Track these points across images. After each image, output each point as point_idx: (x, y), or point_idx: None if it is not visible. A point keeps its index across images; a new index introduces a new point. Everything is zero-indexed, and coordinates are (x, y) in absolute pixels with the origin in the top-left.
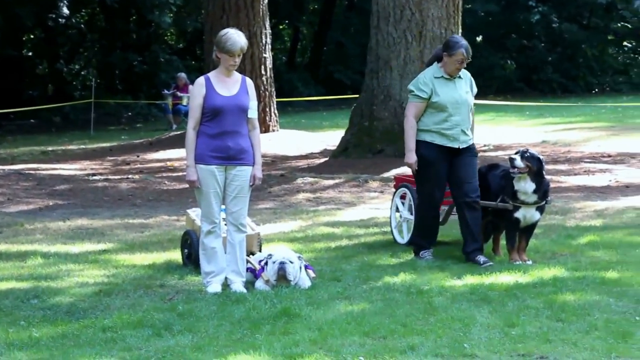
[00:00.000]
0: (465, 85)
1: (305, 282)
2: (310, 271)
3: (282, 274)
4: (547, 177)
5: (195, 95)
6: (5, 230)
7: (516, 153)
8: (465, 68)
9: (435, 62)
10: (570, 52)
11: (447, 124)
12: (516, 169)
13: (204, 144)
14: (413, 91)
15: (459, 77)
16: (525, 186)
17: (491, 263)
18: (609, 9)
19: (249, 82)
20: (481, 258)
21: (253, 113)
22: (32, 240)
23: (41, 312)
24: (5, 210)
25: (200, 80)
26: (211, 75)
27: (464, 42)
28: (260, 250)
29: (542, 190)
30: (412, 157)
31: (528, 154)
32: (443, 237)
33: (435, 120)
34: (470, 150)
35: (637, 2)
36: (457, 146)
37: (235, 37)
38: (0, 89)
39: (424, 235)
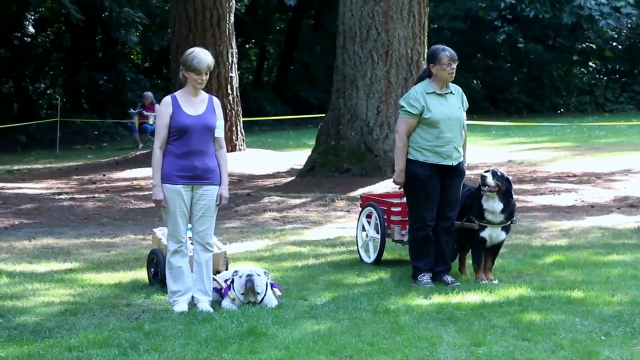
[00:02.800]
0: (457, 101)
1: (272, 301)
2: (276, 289)
3: (249, 286)
4: (514, 197)
5: (162, 114)
6: None
7: (487, 171)
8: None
9: (427, 79)
10: (536, 72)
11: (439, 140)
12: (487, 187)
13: (170, 163)
14: (404, 107)
15: (451, 92)
16: (494, 205)
17: (458, 283)
18: (574, 30)
19: (216, 101)
20: (449, 278)
21: (220, 132)
22: None
23: (6, 332)
24: None
25: (167, 99)
26: (178, 94)
27: (446, 47)
28: (226, 269)
29: (509, 210)
30: (401, 176)
31: (499, 173)
32: (404, 256)
33: (427, 137)
34: (460, 169)
35: (602, 22)
36: (450, 163)
37: (202, 55)
38: None
39: (418, 258)
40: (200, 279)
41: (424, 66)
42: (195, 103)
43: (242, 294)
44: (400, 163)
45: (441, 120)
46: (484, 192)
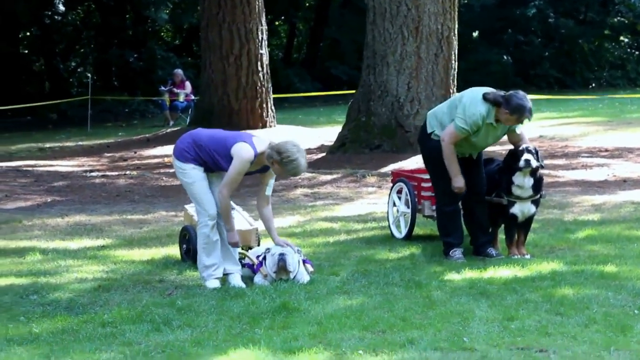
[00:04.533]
0: (504, 129)
1: (304, 277)
2: (308, 265)
3: (282, 265)
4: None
5: (244, 167)
6: (4, 227)
7: (528, 152)
8: (468, 66)
9: (491, 106)
10: (567, 47)
11: (468, 148)
12: (529, 168)
13: (194, 152)
14: (462, 125)
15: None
16: (524, 180)
17: (502, 256)
18: (605, 4)
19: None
20: (492, 250)
21: (269, 190)
22: (31, 236)
23: (40, 308)
24: (3, 207)
25: (251, 155)
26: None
27: (529, 105)
28: (258, 245)
29: (537, 183)
30: (460, 180)
31: (534, 150)
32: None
33: (460, 142)
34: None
35: None
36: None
37: (302, 167)
38: None
39: (447, 233)
40: (227, 250)
41: (455, 42)
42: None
43: (274, 272)
44: (454, 168)
45: (479, 143)
46: (523, 169)
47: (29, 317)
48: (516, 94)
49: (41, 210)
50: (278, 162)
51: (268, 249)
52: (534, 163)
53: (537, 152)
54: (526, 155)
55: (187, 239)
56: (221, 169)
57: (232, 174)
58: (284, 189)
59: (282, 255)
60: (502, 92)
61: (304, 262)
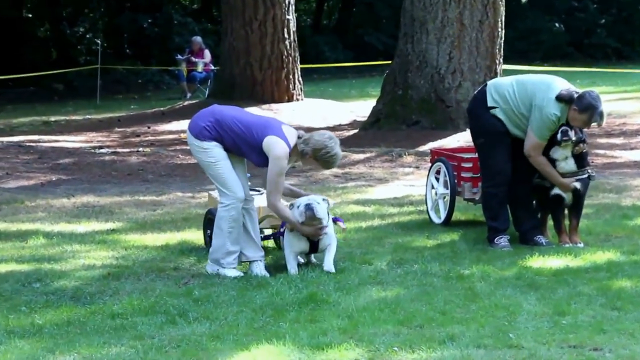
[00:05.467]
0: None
1: (332, 238)
2: (340, 223)
3: (309, 214)
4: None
5: (284, 167)
6: (5, 208)
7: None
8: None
9: (565, 105)
10: (625, 14)
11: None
12: (567, 139)
13: (213, 136)
14: (543, 132)
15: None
16: (564, 152)
17: (553, 245)
18: None
19: None
20: (542, 238)
21: None
22: (34, 218)
23: (44, 297)
24: (4, 186)
25: (287, 151)
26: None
27: (601, 107)
28: None
29: (581, 159)
30: (569, 180)
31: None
32: (479, 217)
33: (518, 125)
34: None
35: None
36: None
37: (340, 158)
38: None
39: (494, 217)
40: (249, 236)
41: (501, 8)
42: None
43: (302, 223)
44: (556, 177)
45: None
46: (561, 142)
47: (32, 307)
48: (590, 92)
49: (45, 190)
50: (315, 157)
51: (292, 204)
52: (572, 135)
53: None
54: (563, 127)
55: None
56: (244, 157)
57: (274, 177)
58: (311, 168)
59: (308, 204)
60: (575, 89)
61: (334, 220)
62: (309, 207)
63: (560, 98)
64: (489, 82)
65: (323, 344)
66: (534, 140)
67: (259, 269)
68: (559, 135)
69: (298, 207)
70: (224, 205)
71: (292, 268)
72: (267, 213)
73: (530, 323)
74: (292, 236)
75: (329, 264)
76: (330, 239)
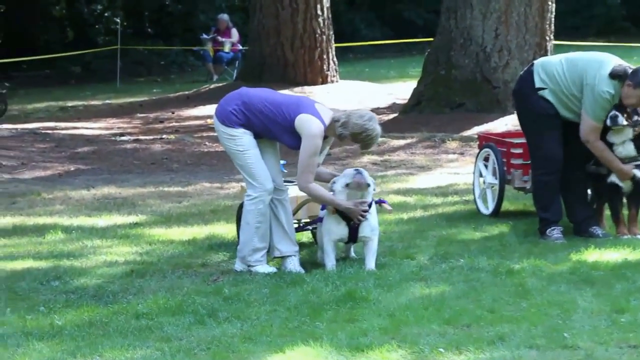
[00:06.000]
0: None
1: (374, 230)
2: (385, 205)
3: (357, 180)
4: None
5: (317, 147)
6: (20, 201)
7: (616, 108)
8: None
9: (618, 82)
10: None
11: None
12: (617, 125)
13: (242, 124)
14: (599, 113)
15: None
16: (621, 137)
17: (611, 237)
18: None
19: None
20: (598, 230)
21: (321, 159)
22: (52, 212)
23: (64, 296)
24: (20, 177)
25: (321, 129)
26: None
27: None
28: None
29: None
30: (629, 167)
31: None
32: (530, 207)
33: (568, 107)
34: None
35: None
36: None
37: (379, 136)
38: (10, 34)
39: (546, 207)
40: (282, 230)
41: None
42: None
43: (347, 185)
44: (616, 163)
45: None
46: (612, 126)
47: (50, 307)
48: None
49: (63, 180)
50: (354, 140)
51: (333, 181)
52: (622, 121)
53: (635, 110)
54: (612, 112)
55: None
56: (276, 140)
57: (305, 158)
58: (348, 155)
59: (357, 168)
60: (627, 64)
61: (379, 202)
62: (358, 171)
63: (613, 74)
64: (536, 62)
65: (363, 345)
66: (590, 124)
67: (293, 264)
68: (608, 121)
69: (343, 176)
70: (251, 197)
71: (330, 262)
72: (304, 201)
73: (586, 321)
74: (331, 221)
75: (370, 263)
76: (372, 231)
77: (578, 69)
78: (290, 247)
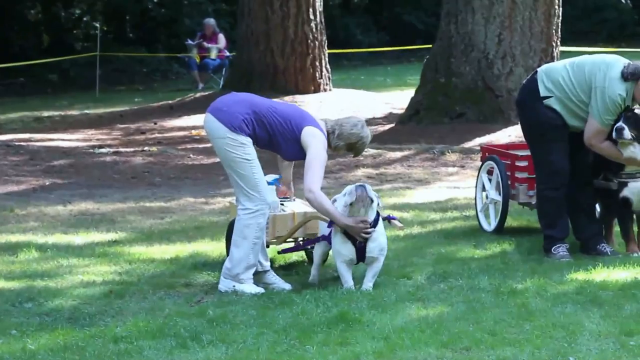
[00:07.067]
0: None
1: (382, 248)
2: (395, 222)
3: (360, 193)
4: None
5: (325, 158)
6: None
7: (623, 118)
8: (574, 13)
9: (630, 83)
10: None
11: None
12: (622, 139)
13: (243, 126)
14: (606, 116)
15: None
16: (635, 151)
17: (620, 255)
18: None
19: None
20: (606, 247)
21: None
22: (25, 229)
23: (37, 319)
24: None
25: (326, 143)
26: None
27: None
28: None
29: None
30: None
31: (633, 117)
32: (534, 223)
33: (577, 115)
34: None
35: None
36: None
37: (369, 140)
38: None
39: (551, 224)
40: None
41: None
42: None
43: (350, 205)
44: (617, 153)
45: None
46: (617, 139)
47: (23, 330)
48: None
49: (38, 195)
50: (349, 148)
51: (334, 198)
52: (627, 134)
53: (637, 121)
54: (619, 124)
55: None
56: (272, 150)
57: (318, 169)
58: (341, 169)
59: (360, 184)
60: (636, 62)
61: (388, 218)
62: (361, 186)
63: (625, 75)
64: (540, 69)
65: None
66: (596, 127)
67: (281, 283)
68: (614, 134)
69: (344, 195)
70: (250, 211)
71: (347, 282)
72: (301, 220)
73: (593, 344)
74: (338, 242)
75: (368, 283)
76: (380, 251)
77: (585, 73)
78: (265, 260)
